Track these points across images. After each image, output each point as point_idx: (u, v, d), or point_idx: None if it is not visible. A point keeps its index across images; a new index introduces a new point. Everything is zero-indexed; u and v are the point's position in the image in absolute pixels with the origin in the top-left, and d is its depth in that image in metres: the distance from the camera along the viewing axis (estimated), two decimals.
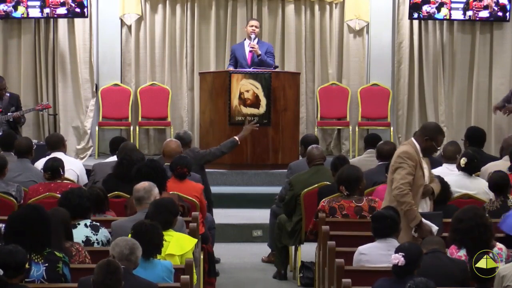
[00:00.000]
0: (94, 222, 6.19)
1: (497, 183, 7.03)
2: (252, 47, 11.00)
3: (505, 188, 7.00)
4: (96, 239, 6.10)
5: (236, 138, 9.21)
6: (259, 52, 10.98)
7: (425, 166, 6.33)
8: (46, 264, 5.19)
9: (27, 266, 4.92)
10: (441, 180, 6.82)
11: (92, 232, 6.11)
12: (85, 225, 6.13)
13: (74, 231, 6.00)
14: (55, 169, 7.53)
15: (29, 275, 5.09)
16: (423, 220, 6.16)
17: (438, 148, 6.49)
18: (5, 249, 4.81)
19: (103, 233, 6.16)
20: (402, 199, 6.15)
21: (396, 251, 5.17)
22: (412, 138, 6.44)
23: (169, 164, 7.70)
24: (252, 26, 11.18)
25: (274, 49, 11.62)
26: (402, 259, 5.10)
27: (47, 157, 8.05)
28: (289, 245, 8.30)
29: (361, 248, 5.96)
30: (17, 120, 10.75)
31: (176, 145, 8.22)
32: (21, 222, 5.23)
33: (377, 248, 5.90)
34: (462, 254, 5.67)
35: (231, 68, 11.06)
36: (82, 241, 6.01)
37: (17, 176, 7.84)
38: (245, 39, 11.35)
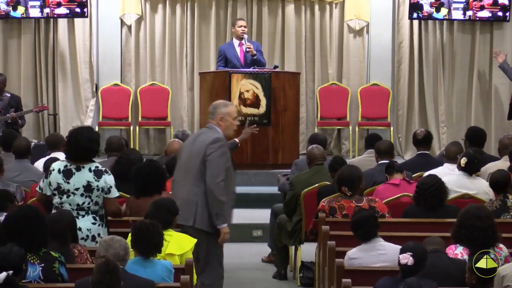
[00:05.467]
0: (99, 167, 6.15)
1: (498, 181, 7.03)
2: (249, 48, 11.01)
3: (505, 186, 6.99)
4: (97, 186, 6.10)
5: (237, 140, 9.23)
6: (254, 52, 11.00)
7: None
8: (42, 265, 5.17)
9: (23, 267, 4.89)
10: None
11: (94, 178, 6.10)
12: (89, 169, 6.11)
13: (77, 174, 6.01)
14: None
15: (26, 276, 5.05)
16: None
17: None
18: (2, 251, 4.78)
19: (105, 179, 6.13)
20: None
21: (403, 251, 5.13)
22: None
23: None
24: (241, 26, 11.20)
25: (274, 49, 11.58)
26: (411, 258, 5.06)
27: (46, 157, 8.03)
28: (289, 245, 8.29)
29: (350, 253, 5.93)
30: (13, 121, 10.70)
31: (179, 146, 8.20)
32: (17, 222, 5.21)
33: (366, 250, 5.88)
34: (458, 252, 5.65)
35: (222, 69, 11.04)
36: (83, 185, 6.02)
37: (17, 176, 7.82)
38: (232, 39, 11.35)
